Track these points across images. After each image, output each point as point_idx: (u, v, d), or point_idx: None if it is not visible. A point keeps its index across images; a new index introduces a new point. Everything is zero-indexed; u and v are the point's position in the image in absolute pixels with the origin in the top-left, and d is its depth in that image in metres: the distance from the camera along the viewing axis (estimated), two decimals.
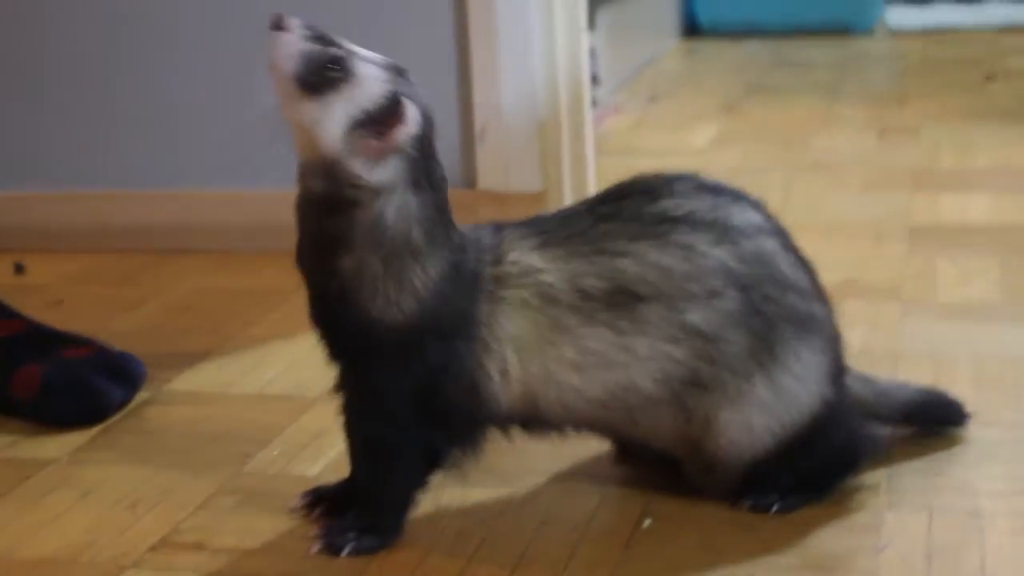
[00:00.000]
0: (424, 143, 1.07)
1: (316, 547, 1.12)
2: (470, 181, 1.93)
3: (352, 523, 1.13)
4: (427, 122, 1.07)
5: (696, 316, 1.09)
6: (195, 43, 2.03)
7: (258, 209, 2.01)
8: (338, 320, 1.10)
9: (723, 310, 1.10)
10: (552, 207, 1.91)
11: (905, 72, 3.51)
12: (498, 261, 1.11)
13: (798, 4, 4.07)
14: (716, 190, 1.16)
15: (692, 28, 4.17)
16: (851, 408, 1.19)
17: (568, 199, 1.94)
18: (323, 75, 1.03)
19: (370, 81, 1.05)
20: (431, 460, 1.14)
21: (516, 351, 1.10)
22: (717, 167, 2.36)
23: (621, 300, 1.09)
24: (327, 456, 1.32)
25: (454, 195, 1.93)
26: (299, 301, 1.76)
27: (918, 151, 2.50)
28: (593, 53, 2.98)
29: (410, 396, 1.10)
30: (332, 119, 1.03)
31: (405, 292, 1.07)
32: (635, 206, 1.13)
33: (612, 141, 2.67)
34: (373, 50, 1.90)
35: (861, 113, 2.94)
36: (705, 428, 1.13)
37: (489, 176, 1.92)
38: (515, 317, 1.09)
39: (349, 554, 1.11)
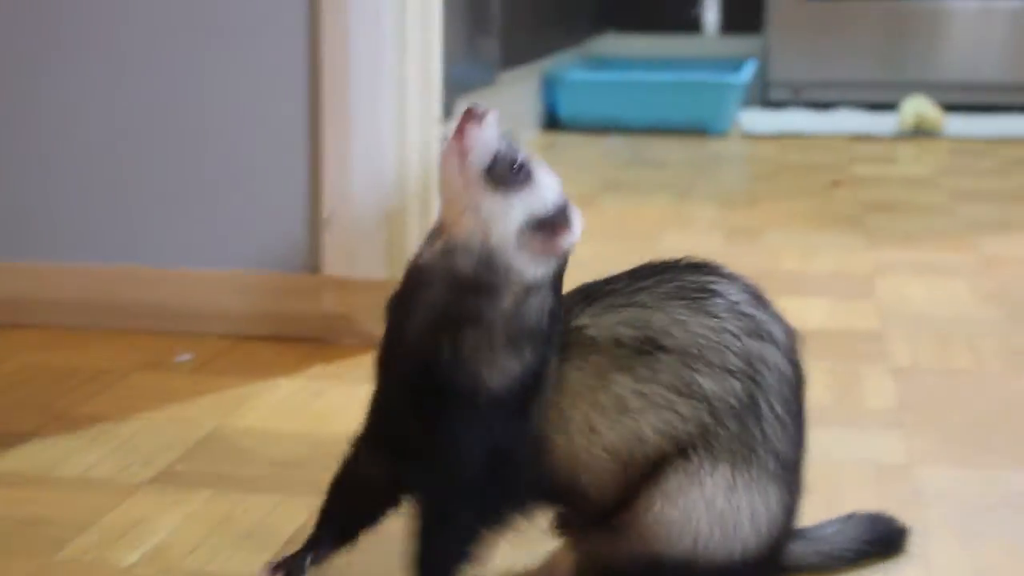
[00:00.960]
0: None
1: None
2: (314, 266, 1.93)
3: None
4: None
5: (706, 381, 1.11)
6: (33, 103, 1.99)
7: (94, 285, 1.98)
8: (439, 378, 1.11)
9: (731, 391, 1.11)
10: None
11: (756, 175, 3.59)
12: (566, 330, 1.14)
13: (656, 104, 4.15)
14: (761, 298, 1.18)
15: (552, 121, 4.22)
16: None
17: None
18: (509, 174, 1.09)
19: (547, 188, 1.11)
20: (490, 527, 1.14)
21: (568, 401, 1.12)
22: (570, 260, 2.38)
23: (646, 348, 1.11)
24: (147, 544, 1.29)
25: (297, 281, 1.94)
26: (131, 382, 1.76)
27: (761, 253, 2.55)
28: None
29: (488, 456, 1.11)
30: (509, 215, 1.08)
31: (515, 363, 1.10)
32: (679, 273, 1.17)
33: None
34: (226, 131, 1.91)
35: (711, 213, 3.00)
36: (658, 498, 1.12)
37: (334, 262, 1.92)
38: (569, 372, 1.12)
39: None
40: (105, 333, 1.96)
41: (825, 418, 1.63)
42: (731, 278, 1.18)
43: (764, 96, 4.64)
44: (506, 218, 1.09)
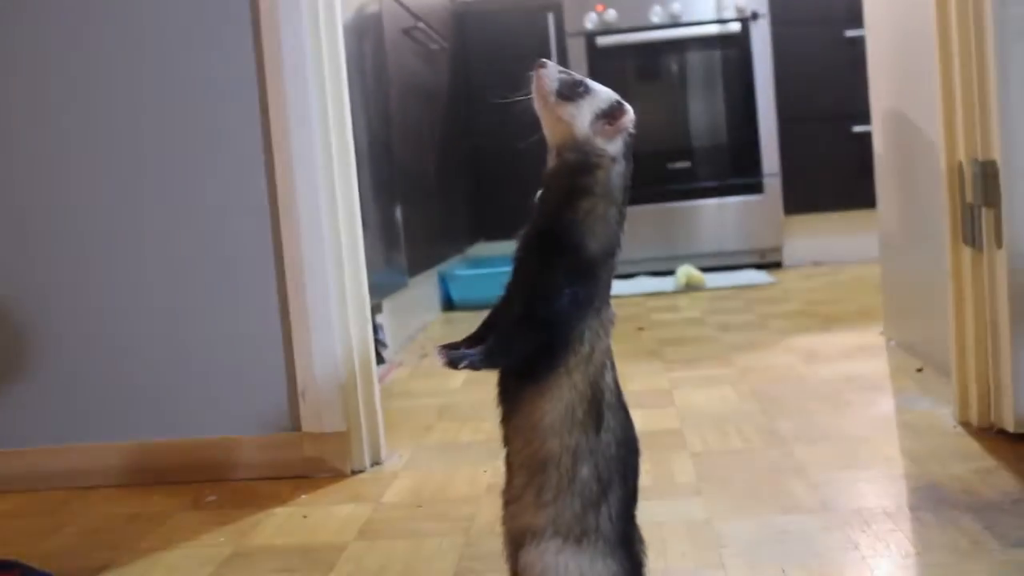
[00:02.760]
0: (632, 133, 1.16)
1: (440, 361, 1.10)
2: (296, 426, 1.90)
3: (471, 352, 1.10)
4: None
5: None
6: (95, 290, 1.95)
7: (148, 454, 1.93)
8: (561, 240, 1.11)
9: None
10: (354, 443, 1.90)
11: None
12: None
13: None
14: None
15: (448, 305, 4.24)
16: None
17: (365, 435, 1.92)
18: (573, 91, 1.13)
19: (603, 93, 1.15)
20: (542, 341, 1.10)
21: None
22: (468, 402, 2.38)
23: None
24: None
25: (285, 437, 1.90)
26: (176, 520, 1.71)
27: None
28: (381, 327, 3.00)
29: (575, 298, 1.10)
30: (583, 115, 1.13)
31: (606, 230, 1.12)
32: None
33: (396, 387, 2.66)
34: (226, 345, 1.88)
35: None
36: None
37: (309, 422, 1.89)
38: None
39: (464, 367, 1.09)
40: (157, 487, 1.90)
41: (649, 493, 1.65)
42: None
43: None
44: (581, 117, 1.13)
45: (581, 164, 1.13)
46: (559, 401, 1.10)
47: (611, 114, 1.14)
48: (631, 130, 1.15)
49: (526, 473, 1.11)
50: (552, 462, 1.09)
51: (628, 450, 1.14)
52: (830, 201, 4.47)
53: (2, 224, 1.94)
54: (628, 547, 1.12)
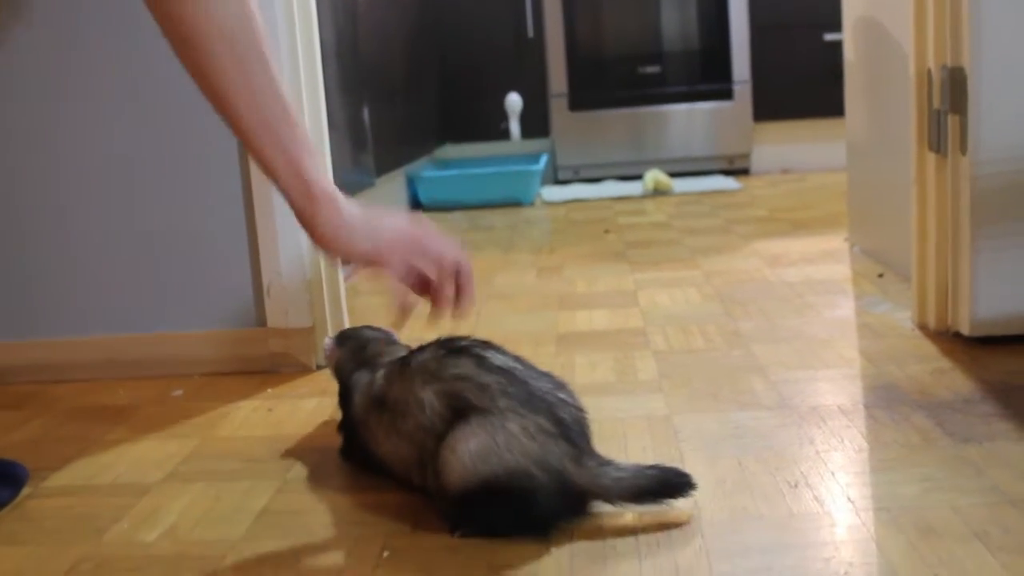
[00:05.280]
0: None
1: None
2: (262, 322, 1.90)
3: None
4: None
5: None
6: (71, 198, 1.93)
7: (114, 349, 1.93)
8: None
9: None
10: (319, 339, 1.90)
11: (554, 230, 3.61)
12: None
13: (484, 188, 4.17)
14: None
15: (415, 206, 4.22)
16: (548, 487, 1.10)
17: (330, 331, 1.92)
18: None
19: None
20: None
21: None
22: None
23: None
24: (163, 525, 1.25)
25: (250, 332, 1.90)
26: (143, 413, 1.72)
27: (562, 282, 2.57)
28: None
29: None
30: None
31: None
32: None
33: (363, 285, 2.66)
34: (197, 244, 1.87)
35: (526, 258, 3.00)
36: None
37: (275, 318, 1.89)
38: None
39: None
40: (124, 381, 1.91)
41: (612, 389, 1.68)
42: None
43: (555, 176, 4.70)
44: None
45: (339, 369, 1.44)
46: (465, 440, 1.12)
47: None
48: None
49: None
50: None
51: (558, 430, 1.12)
52: (800, 109, 4.46)
53: None
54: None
